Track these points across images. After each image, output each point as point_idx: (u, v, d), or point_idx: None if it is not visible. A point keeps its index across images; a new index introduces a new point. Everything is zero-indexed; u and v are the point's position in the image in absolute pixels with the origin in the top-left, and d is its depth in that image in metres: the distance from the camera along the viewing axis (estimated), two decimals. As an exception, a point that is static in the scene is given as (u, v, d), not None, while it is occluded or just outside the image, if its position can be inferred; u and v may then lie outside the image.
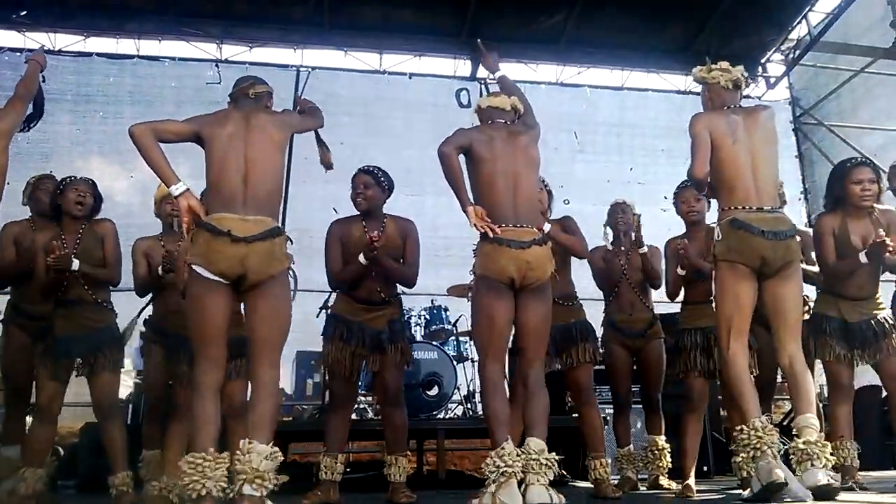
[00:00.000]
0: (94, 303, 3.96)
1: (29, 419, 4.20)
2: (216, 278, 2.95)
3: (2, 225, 4.31)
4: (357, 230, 4.06)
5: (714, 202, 3.90)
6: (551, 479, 3.20)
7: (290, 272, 3.18)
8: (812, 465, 3.14)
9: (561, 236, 4.02)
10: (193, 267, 2.98)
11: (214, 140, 3.14)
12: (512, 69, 9.28)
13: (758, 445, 3.19)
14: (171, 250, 4.01)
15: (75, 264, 3.81)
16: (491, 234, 3.37)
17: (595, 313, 4.75)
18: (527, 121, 3.86)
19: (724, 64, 3.76)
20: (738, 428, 3.33)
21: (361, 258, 3.89)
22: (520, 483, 3.13)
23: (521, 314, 3.46)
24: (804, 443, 3.20)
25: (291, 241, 3.19)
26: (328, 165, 3.70)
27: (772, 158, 3.64)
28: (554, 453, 3.24)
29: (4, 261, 4.19)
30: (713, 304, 3.61)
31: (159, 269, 4.01)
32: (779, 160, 3.75)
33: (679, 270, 4.20)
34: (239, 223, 2.98)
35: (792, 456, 3.23)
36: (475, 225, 3.41)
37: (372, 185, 4.11)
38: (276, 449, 2.91)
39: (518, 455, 3.15)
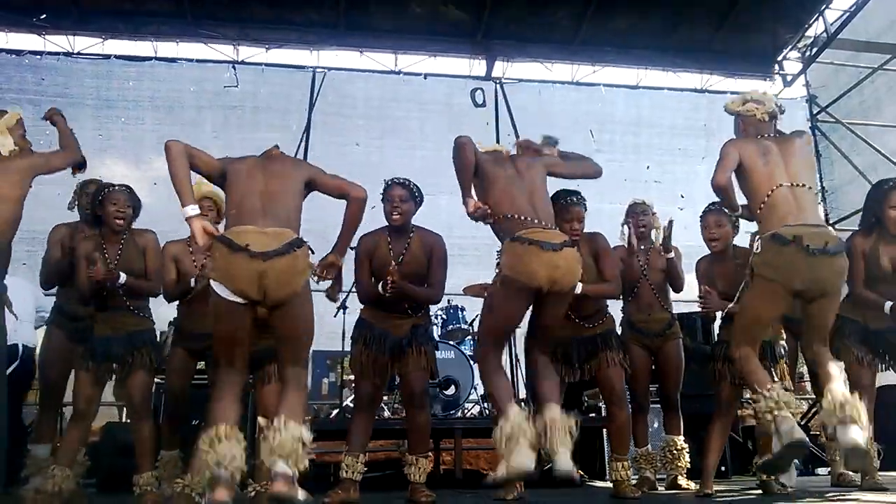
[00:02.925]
0: (131, 311, 4.04)
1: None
2: (236, 299, 2.91)
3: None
4: (383, 248, 4.07)
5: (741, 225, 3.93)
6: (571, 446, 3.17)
7: (314, 279, 3.17)
8: (845, 424, 3.10)
9: (592, 291, 4.02)
10: (213, 284, 2.96)
11: (235, 172, 3.19)
12: (527, 68, 9.30)
13: (777, 408, 3.19)
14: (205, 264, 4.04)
15: (122, 278, 3.90)
16: (490, 219, 3.39)
17: (613, 313, 4.74)
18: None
19: (758, 94, 3.74)
20: (755, 396, 3.30)
21: (380, 289, 3.93)
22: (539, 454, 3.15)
23: (542, 315, 3.48)
24: (834, 399, 3.18)
25: (313, 251, 3.13)
26: (333, 298, 3.68)
27: (811, 181, 3.60)
28: (572, 417, 3.23)
29: (50, 262, 4.31)
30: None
31: (192, 280, 4.06)
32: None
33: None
34: (258, 236, 2.93)
35: (824, 414, 3.22)
36: (472, 214, 3.42)
37: (407, 199, 4.11)
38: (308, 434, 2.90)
39: (524, 419, 3.15)
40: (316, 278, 3.22)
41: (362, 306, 4.21)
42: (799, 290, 3.36)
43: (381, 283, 3.94)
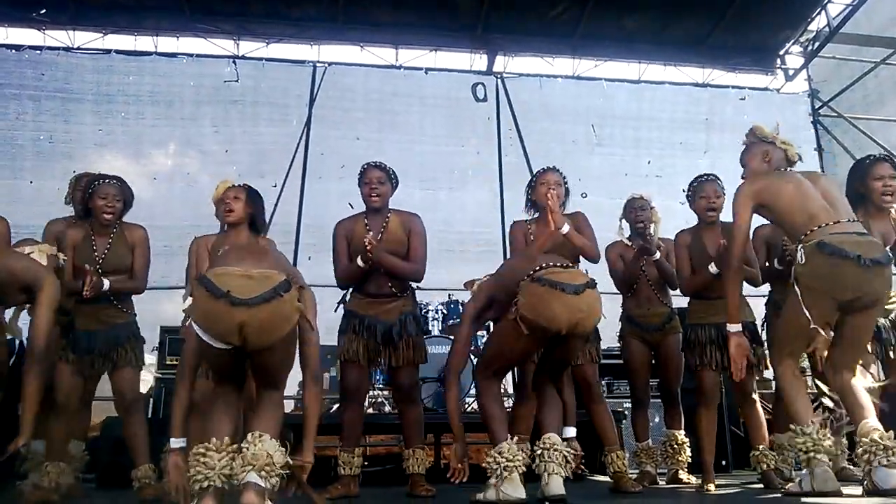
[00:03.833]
0: (112, 304, 4.04)
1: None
2: (217, 344, 2.75)
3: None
4: (360, 227, 4.09)
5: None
6: (568, 474, 3.25)
7: (308, 325, 2.98)
8: (888, 461, 3.01)
9: (576, 238, 4.00)
10: (194, 326, 2.80)
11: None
12: (528, 63, 9.28)
13: (815, 450, 3.16)
14: None
15: (106, 285, 3.91)
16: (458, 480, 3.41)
17: (612, 307, 4.73)
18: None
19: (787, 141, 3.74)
20: (795, 430, 3.27)
21: (359, 261, 3.91)
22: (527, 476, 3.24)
23: (558, 352, 3.43)
24: (876, 437, 3.07)
25: (305, 286, 3.00)
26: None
27: (842, 197, 3.52)
28: (570, 448, 3.30)
29: None
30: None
31: None
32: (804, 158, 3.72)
33: (712, 269, 4.11)
34: (241, 280, 2.68)
35: (862, 454, 3.11)
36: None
37: (385, 180, 4.14)
38: (283, 448, 2.84)
39: (517, 451, 3.25)
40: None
41: (348, 299, 4.19)
42: (848, 301, 3.22)
43: (359, 256, 3.92)
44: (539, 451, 3.29)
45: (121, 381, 3.99)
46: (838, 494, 3.07)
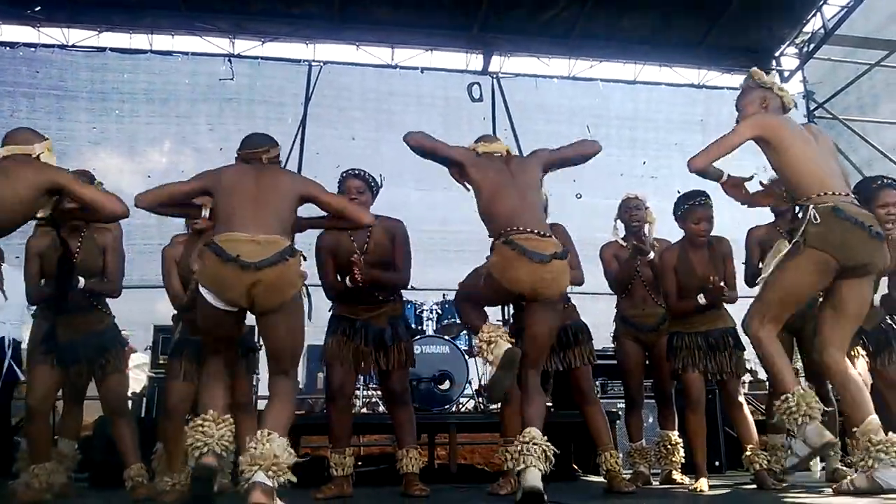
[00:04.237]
0: (92, 308, 4.00)
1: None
2: (225, 307, 2.89)
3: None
4: (345, 240, 4.03)
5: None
6: (546, 468, 3.23)
7: (304, 290, 3.11)
8: (892, 463, 3.00)
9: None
10: (202, 290, 2.92)
11: (224, 179, 3.10)
12: (523, 63, 9.27)
13: (806, 411, 3.10)
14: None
15: (80, 282, 3.86)
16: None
17: (606, 308, 4.74)
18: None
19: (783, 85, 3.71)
20: (782, 397, 3.19)
21: (348, 282, 3.91)
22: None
23: (529, 323, 3.46)
24: (871, 441, 3.05)
25: (305, 257, 3.07)
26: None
27: (840, 169, 3.52)
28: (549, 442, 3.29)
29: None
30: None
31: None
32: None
33: (701, 299, 4.12)
34: (248, 245, 2.84)
35: (860, 455, 3.10)
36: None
37: (364, 190, 4.08)
38: (292, 450, 2.90)
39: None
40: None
41: (333, 306, 4.16)
42: (851, 267, 3.20)
43: (347, 278, 3.92)
44: (518, 445, 3.28)
45: (109, 387, 3.99)
46: (834, 445, 3.09)
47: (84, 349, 3.91)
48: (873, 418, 3.13)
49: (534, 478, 3.18)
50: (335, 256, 4.05)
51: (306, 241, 3.28)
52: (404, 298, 4.52)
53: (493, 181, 3.57)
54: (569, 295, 4.07)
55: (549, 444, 3.28)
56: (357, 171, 4.12)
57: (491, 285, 3.41)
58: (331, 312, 4.16)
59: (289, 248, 2.90)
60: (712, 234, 4.27)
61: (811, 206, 3.24)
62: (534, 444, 3.24)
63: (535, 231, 3.37)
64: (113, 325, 4.12)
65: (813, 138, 3.51)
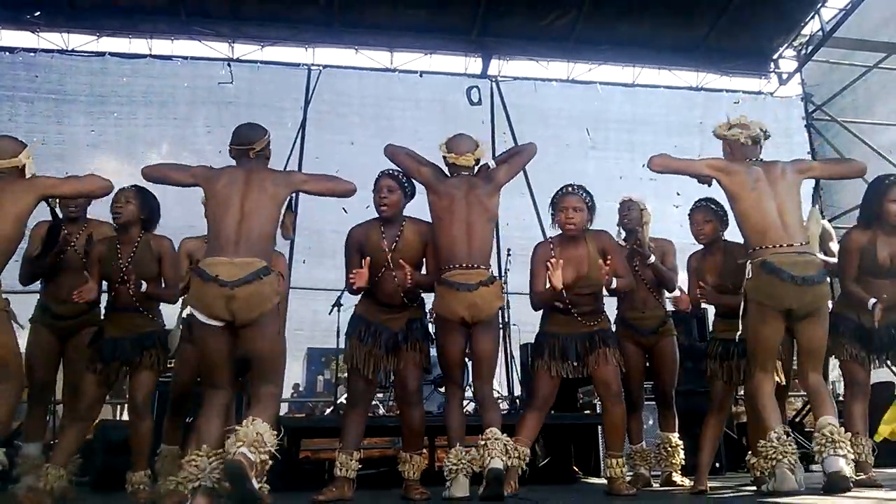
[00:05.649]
0: (140, 312, 4.02)
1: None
2: (211, 322, 3.15)
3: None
4: (375, 235, 4.05)
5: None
6: (504, 460, 3.68)
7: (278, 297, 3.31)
8: (834, 452, 3.35)
9: (620, 284, 4.14)
10: (192, 311, 3.22)
11: (213, 194, 3.36)
12: (522, 66, 9.29)
13: (775, 456, 3.47)
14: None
15: (143, 286, 3.94)
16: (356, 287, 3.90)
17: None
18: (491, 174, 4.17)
19: (743, 119, 3.93)
20: (760, 443, 3.55)
21: (356, 286, 3.94)
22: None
23: (473, 345, 3.94)
24: (826, 432, 3.42)
25: (283, 276, 3.32)
26: (286, 234, 3.62)
27: (797, 204, 3.76)
28: (505, 434, 3.79)
29: (30, 257, 4.24)
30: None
31: None
32: (799, 188, 3.86)
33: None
34: (227, 267, 3.14)
35: (815, 446, 3.47)
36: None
37: (395, 189, 4.09)
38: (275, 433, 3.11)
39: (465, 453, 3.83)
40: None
41: (357, 302, 4.17)
42: (789, 310, 3.58)
43: (401, 292, 4.01)
44: (483, 442, 3.69)
45: (138, 382, 3.98)
46: (795, 494, 3.38)
47: (125, 347, 3.91)
48: (826, 417, 3.52)
49: (496, 463, 3.63)
50: (363, 251, 4.04)
51: (306, 245, 3.30)
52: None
53: (447, 211, 3.97)
54: (604, 309, 4.23)
55: (505, 437, 3.76)
56: (391, 172, 4.16)
57: (439, 324, 3.98)
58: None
59: (264, 269, 3.19)
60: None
61: (748, 262, 3.65)
62: (496, 439, 3.70)
63: (464, 265, 3.84)
64: (161, 328, 4.12)
65: (776, 180, 3.74)
